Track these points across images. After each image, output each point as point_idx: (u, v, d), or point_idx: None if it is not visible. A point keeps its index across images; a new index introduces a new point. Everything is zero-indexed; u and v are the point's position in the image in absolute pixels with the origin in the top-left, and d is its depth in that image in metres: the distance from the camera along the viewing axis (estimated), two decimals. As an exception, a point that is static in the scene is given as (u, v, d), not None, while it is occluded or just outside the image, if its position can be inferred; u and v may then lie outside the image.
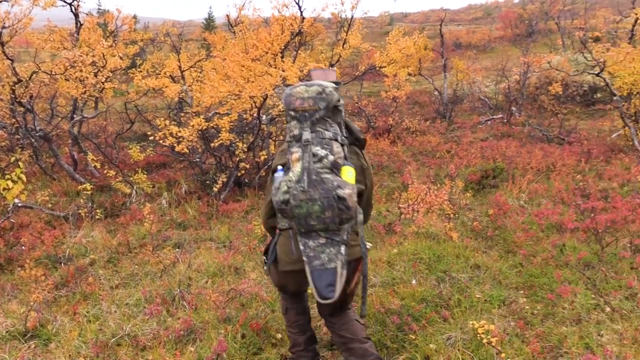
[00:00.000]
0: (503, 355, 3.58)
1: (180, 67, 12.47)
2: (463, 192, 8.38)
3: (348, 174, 2.84)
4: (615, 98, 12.33)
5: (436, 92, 20.29)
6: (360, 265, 3.07)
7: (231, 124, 9.16)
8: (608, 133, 14.01)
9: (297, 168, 2.81)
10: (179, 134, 8.78)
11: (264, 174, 9.83)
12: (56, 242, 6.93)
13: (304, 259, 2.87)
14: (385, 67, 15.49)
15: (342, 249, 2.85)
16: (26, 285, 5.42)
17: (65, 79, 9.91)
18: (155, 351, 3.84)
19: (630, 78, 11.88)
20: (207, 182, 9.61)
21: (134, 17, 19.90)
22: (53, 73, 9.70)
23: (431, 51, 22.29)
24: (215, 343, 3.85)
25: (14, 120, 10.12)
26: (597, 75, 12.75)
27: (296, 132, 2.90)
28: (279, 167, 2.96)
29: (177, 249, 6.60)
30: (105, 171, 9.96)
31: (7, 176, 5.25)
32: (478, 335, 3.71)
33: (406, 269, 5.36)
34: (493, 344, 3.62)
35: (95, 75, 10.11)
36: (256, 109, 9.00)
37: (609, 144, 12.38)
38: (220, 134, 9.07)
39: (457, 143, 14.05)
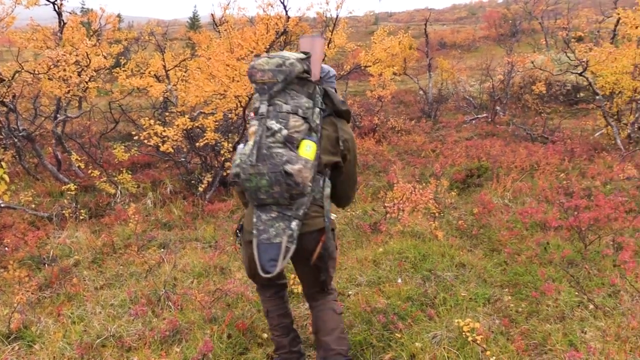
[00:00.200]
0: (488, 353, 3.60)
1: (164, 66, 12.40)
2: (448, 191, 8.42)
3: (306, 148, 2.84)
4: (597, 97, 12.46)
5: (421, 92, 20.37)
6: (323, 237, 3.01)
7: (216, 123, 9.14)
8: (591, 132, 14.15)
9: (251, 142, 2.85)
10: (164, 134, 8.74)
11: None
12: (40, 242, 6.87)
13: (254, 231, 2.91)
14: (370, 66, 15.54)
15: (293, 223, 2.86)
16: (9, 287, 5.36)
17: (49, 79, 9.82)
18: (141, 352, 3.82)
19: (613, 77, 12.01)
20: (193, 181, 9.58)
21: (118, 16, 19.79)
22: (36, 72, 9.61)
23: (416, 51, 22.37)
24: (201, 343, 3.83)
25: (-4, 120, 10.02)
26: (580, 74, 12.88)
27: (257, 104, 2.93)
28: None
29: (162, 249, 6.57)
30: (89, 171, 9.89)
31: (-10, 176, 5.19)
32: (463, 333, 3.72)
33: (392, 268, 5.38)
34: (478, 342, 3.64)
35: (79, 74, 10.03)
36: (241, 109, 8.98)
37: (592, 143, 12.49)
38: (205, 134, 9.04)
39: (442, 142, 14.11)
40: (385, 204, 7.25)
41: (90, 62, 10.29)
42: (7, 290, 5.31)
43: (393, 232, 6.60)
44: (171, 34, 35.43)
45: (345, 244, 6.40)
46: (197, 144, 9.28)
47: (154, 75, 13.00)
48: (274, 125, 2.83)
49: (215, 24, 14.69)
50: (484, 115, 17.68)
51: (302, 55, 2.95)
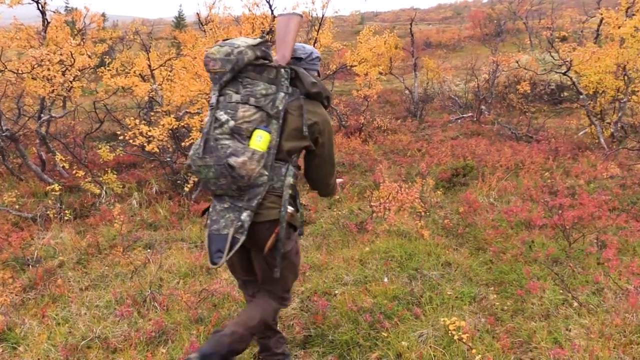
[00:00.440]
0: (474, 351, 3.61)
1: (150, 65, 12.33)
2: (434, 190, 8.45)
3: (256, 139, 2.78)
4: (581, 97, 12.56)
5: (407, 91, 20.44)
6: (277, 228, 2.91)
7: (202, 123, 9.09)
8: (575, 131, 14.27)
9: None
10: (149, 134, 8.70)
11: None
12: (24, 243, 6.80)
13: (208, 222, 2.90)
14: (356, 66, 15.55)
15: (244, 215, 2.82)
16: (-7, 289, 5.31)
17: (33, 78, 9.74)
18: (126, 353, 3.80)
19: (596, 77, 12.12)
20: (178, 181, 9.54)
21: (103, 15, 19.61)
22: (20, 72, 9.53)
23: (402, 50, 22.47)
24: (187, 344, 3.82)
25: (-21, 120, 9.91)
26: (564, 74, 13.00)
27: (212, 94, 2.90)
28: None
29: (148, 250, 6.54)
30: (74, 171, 9.81)
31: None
32: (449, 331, 3.74)
33: (378, 267, 5.39)
34: (464, 340, 3.66)
35: (63, 74, 9.95)
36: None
37: (576, 142, 12.59)
38: (191, 133, 9.01)
39: (427, 141, 14.16)
40: (372, 203, 7.27)
41: (74, 61, 10.22)
42: (-10, 292, 5.26)
43: (379, 231, 6.61)
44: (156, 33, 35.29)
45: (331, 243, 6.41)
46: (183, 143, 9.24)
47: (139, 74, 12.93)
48: (222, 116, 2.79)
49: (201, 23, 14.62)
50: (469, 114, 17.77)
51: (254, 41, 2.85)
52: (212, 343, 2.86)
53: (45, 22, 11.23)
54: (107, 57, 18.77)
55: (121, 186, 9.66)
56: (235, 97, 2.82)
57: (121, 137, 8.99)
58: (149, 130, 8.73)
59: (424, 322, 4.16)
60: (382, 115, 17.57)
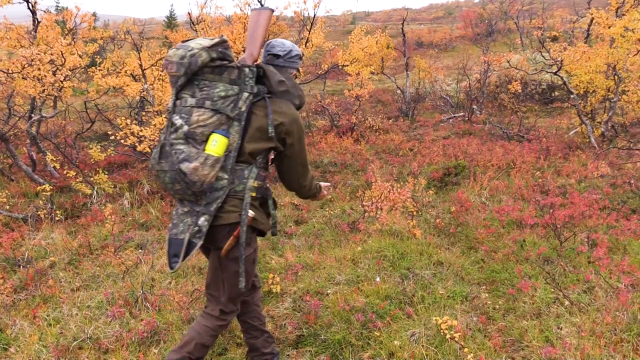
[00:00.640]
0: (466, 350, 3.63)
1: (141, 65, 12.28)
2: (426, 190, 8.47)
3: (211, 143, 2.73)
4: (572, 96, 12.63)
5: (399, 91, 20.48)
6: (237, 231, 2.85)
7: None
8: (566, 130, 14.34)
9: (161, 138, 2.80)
10: (141, 134, 8.67)
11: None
12: (14, 244, 6.76)
13: (170, 225, 2.88)
14: (348, 65, 15.56)
15: (201, 219, 2.78)
16: (-17, 290, 5.28)
17: (23, 78, 9.68)
18: (118, 354, 3.79)
19: (587, 77, 12.20)
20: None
21: (94, 14, 19.57)
22: (10, 71, 9.46)
23: (393, 50, 22.51)
24: (179, 344, 3.81)
25: (-32, 120, 9.85)
26: (555, 74, 13.07)
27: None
28: None
29: (139, 250, 6.51)
30: (65, 172, 9.77)
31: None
32: (441, 330, 3.75)
33: (370, 267, 5.39)
34: (456, 339, 3.67)
35: (54, 73, 9.90)
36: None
37: (567, 141, 12.65)
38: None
39: (419, 141, 14.19)
40: (364, 203, 7.28)
41: (65, 61, 10.17)
42: (-20, 293, 5.23)
43: (371, 230, 6.62)
44: (148, 32, 35.17)
45: (323, 243, 6.41)
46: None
47: (131, 74, 12.88)
48: (177, 120, 2.74)
49: (192, 23, 14.59)
50: (461, 114, 17.82)
51: (210, 43, 2.75)
52: None
53: (36, 22, 11.16)
54: (98, 56, 18.71)
55: (112, 186, 9.62)
56: (190, 101, 2.76)
57: (112, 137, 8.96)
58: (141, 130, 8.70)
59: (416, 322, 4.17)
60: (374, 115, 17.59)
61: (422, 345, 3.74)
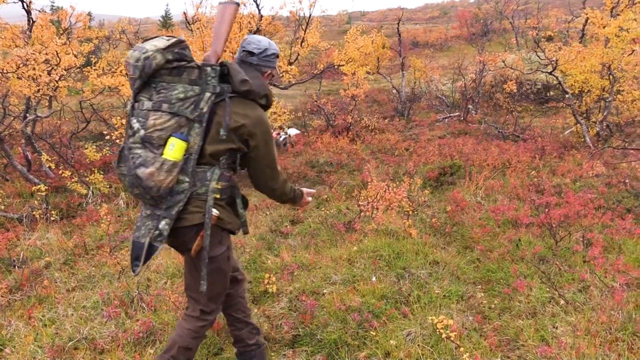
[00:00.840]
0: (462, 349, 3.63)
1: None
2: (421, 189, 8.47)
3: (169, 148, 2.67)
4: (567, 96, 12.67)
5: (394, 91, 20.49)
6: (202, 232, 2.82)
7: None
8: (561, 130, 14.38)
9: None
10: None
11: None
12: (10, 244, 6.75)
13: (135, 227, 2.86)
14: (343, 65, 15.57)
15: (162, 223, 2.77)
16: (-22, 290, 5.26)
17: (18, 77, 9.65)
18: (114, 354, 3.78)
19: (581, 76, 12.23)
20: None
21: (89, 14, 19.53)
22: (4, 71, 9.44)
23: (389, 50, 22.54)
24: (175, 344, 3.80)
25: (-37, 120, 9.82)
26: (550, 73, 13.10)
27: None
28: None
29: (135, 250, 6.50)
30: (60, 172, 9.75)
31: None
32: (437, 330, 3.76)
33: (366, 266, 5.39)
34: (452, 338, 3.68)
35: (49, 73, 9.88)
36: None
37: (562, 141, 12.68)
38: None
39: (415, 141, 14.20)
40: (360, 203, 7.28)
41: (60, 60, 10.15)
42: (-25, 294, 5.21)
43: (367, 230, 6.62)
44: (143, 32, 35.06)
45: (319, 242, 6.41)
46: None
47: (126, 74, 12.84)
48: (135, 124, 2.69)
49: (188, 23, 14.55)
50: (457, 113, 17.86)
51: (165, 44, 2.66)
52: None
53: (31, 21, 11.14)
54: (94, 56, 18.62)
55: (108, 186, 9.60)
56: (147, 104, 2.69)
57: (108, 137, 8.95)
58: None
59: (412, 321, 4.17)
60: (369, 115, 17.61)
61: (418, 345, 3.75)
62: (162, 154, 2.68)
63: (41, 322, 4.41)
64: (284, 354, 3.83)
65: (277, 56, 3.07)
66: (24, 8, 10.92)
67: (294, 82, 12.67)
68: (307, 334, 4.06)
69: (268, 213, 7.95)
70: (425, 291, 4.78)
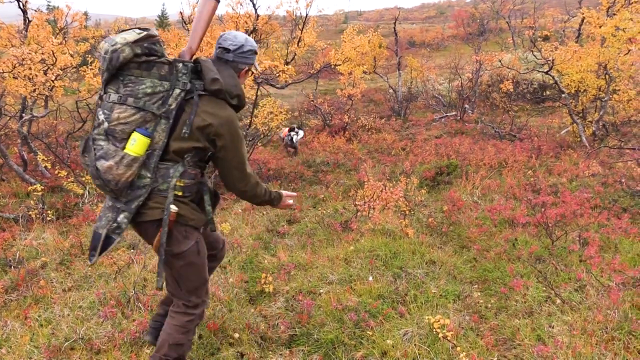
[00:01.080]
0: (458, 349, 3.63)
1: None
2: (418, 189, 8.48)
3: (131, 142, 2.67)
4: (563, 95, 12.68)
5: (391, 90, 20.51)
6: (161, 228, 2.81)
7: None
8: (557, 129, 14.40)
9: None
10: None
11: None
12: (6, 245, 6.72)
13: (97, 217, 2.86)
14: (340, 65, 15.56)
15: (121, 216, 2.76)
16: (-26, 290, 5.24)
17: (14, 77, 9.62)
18: (110, 354, 3.77)
19: (578, 76, 12.25)
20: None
21: (85, 13, 19.49)
22: (0, 71, 9.41)
23: (385, 49, 22.54)
24: (171, 344, 3.79)
25: (-42, 119, 9.79)
26: (546, 73, 13.12)
27: None
28: None
29: (131, 250, 6.49)
30: (56, 171, 9.71)
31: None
32: (434, 329, 3.76)
33: (363, 266, 5.39)
34: (448, 338, 3.68)
35: (45, 73, 9.85)
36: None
37: (558, 140, 12.70)
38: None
39: (412, 140, 14.21)
40: (356, 202, 7.28)
41: (56, 60, 10.12)
42: (-29, 294, 5.19)
43: (364, 230, 6.62)
44: (139, 32, 35.03)
45: (316, 242, 6.41)
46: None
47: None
48: (100, 116, 2.69)
49: (184, 22, 14.54)
50: (453, 113, 17.87)
51: (134, 37, 2.64)
52: None
53: (27, 21, 11.10)
54: (90, 56, 18.61)
55: (104, 186, 9.56)
56: (114, 97, 2.68)
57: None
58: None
59: (409, 321, 4.17)
60: (366, 114, 17.62)
61: (415, 344, 3.75)
62: (123, 148, 2.67)
63: (37, 322, 4.40)
64: (281, 354, 3.83)
65: (255, 52, 3.01)
66: (20, 7, 10.88)
67: (290, 82, 12.65)
68: (304, 334, 4.06)
69: (265, 213, 7.94)
70: (421, 291, 4.78)
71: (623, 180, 8.48)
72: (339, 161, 11.87)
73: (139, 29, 2.71)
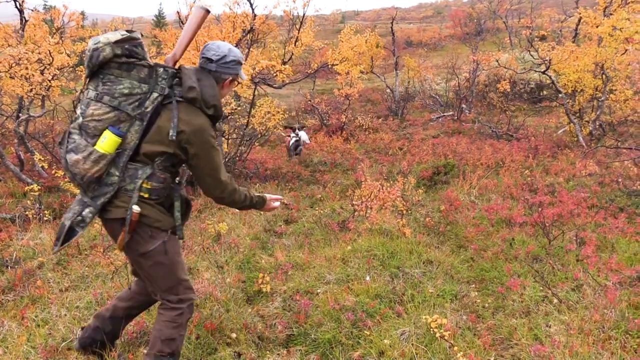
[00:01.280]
0: (455, 348, 3.63)
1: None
2: (415, 189, 8.48)
3: (102, 139, 2.73)
4: (560, 95, 12.71)
5: (388, 90, 20.51)
6: (124, 227, 2.84)
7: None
8: (554, 129, 14.42)
9: None
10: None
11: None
12: (2, 245, 6.71)
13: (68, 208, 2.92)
14: (337, 64, 15.56)
15: (86, 210, 2.82)
16: (-30, 291, 5.23)
17: (10, 77, 9.60)
18: (107, 354, 3.77)
19: (575, 76, 12.26)
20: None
21: (82, 13, 19.46)
22: (-3, 71, 9.39)
23: (383, 49, 22.55)
24: (168, 344, 3.79)
25: (-45, 119, 9.76)
26: (543, 73, 13.13)
27: None
28: None
29: (128, 250, 6.48)
30: (53, 171, 9.69)
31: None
32: (431, 329, 3.75)
33: (360, 266, 5.39)
34: (446, 337, 3.68)
35: (42, 72, 9.83)
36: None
37: (555, 140, 12.72)
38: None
39: (409, 140, 14.22)
40: (353, 202, 7.28)
41: (53, 60, 10.10)
42: (-33, 294, 5.18)
43: (361, 230, 6.62)
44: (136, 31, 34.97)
45: (313, 242, 6.40)
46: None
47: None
48: (78, 110, 2.78)
49: (181, 22, 14.50)
50: (450, 113, 17.90)
51: (116, 38, 2.72)
52: None
53: (23, 21, 11.09)
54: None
55: (101, 186, 9.55)
56: (91, 94, 2.76)
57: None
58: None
59: (406, 320, 4.17)
60: (363, 114, 17.63)
61: (412, 344, 3.75)
62: (94, 144, 2.73)
63: (34, 323, 4.39)
64: (278, 354, 3.82)
65: (239, 63, 3.04)
66: (16, 7, 10.86)
67: (287, 82, 12.64)
68: (301, 334, 4.06)
69: (262, 212, 7.93)
70: (419, 290, 4.78)
71: (620, 180, 8.49)
72: (337, 161, 11.88)
73: (125, 31, 2.78)
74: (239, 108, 10.73)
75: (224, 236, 6.48)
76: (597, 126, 12.73)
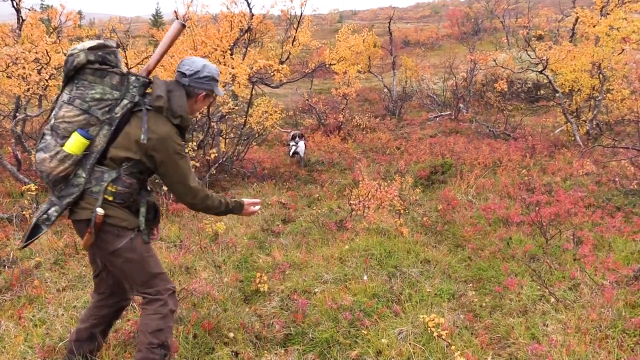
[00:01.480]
0: (453, 347, 3.64)
1: (127, 63, 12.21)
2: (413, 188, 8.48)
3: (70, 140, 2.83)
4: (557, 95, 12.72)
5: (385, 90, 20.49)
6: (90, 228, 2.90)
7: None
8: (551, 129, 14.43)
9: None
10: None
11: (214, 172, 9.74)
12: (-1, 244, 6.70)
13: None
14: (335, 64, 15.55)
15: (52, 209, 2.93)
16: (-33, 290, 5.22)
17: (7, 76, 9.57)
18: (105, 354, 3.76)
19: (572, 75, 12.27)
20: (157, 180, 9.45)
21: (79, 12, 19.43)
22: (-7, 70, 9.36)
23: (380, 49, 22.55)
24: (166, 344, 3.78)
25: (-49, 119, 9.74)
26: (541, 72, 13.16)
27: None
28: None
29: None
30: (50, 171, 9.66)
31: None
32: (428, 328, 3.76)
33: (358, 265, 5.39)
34: (443, 337, 3.68)
35: (39, 72, 9.80)
36: (206, 107, 8.90)
37: (552, 139, 12.73)
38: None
39: (406, 139, 14.22)
40: (351, 202, 7.28)
41: (50, 59, 10.07)
42: (-36, 294, 5.17)
43: (359, 229, 6.62)
44: (134, 31, 34.96)
45: (311, 241, 6.41)
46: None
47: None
48: (54, 112, 2.91)
49: (179, 22, 14.50)
50: (448, 112, 17.90)
51: (91, 44, 2.89)
52: None
53: (20, 20, 11.05)
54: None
55: (98, 185, 9.53)
56: (65, 97, 2.89)
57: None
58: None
59: (404, 320, 4.18)
60: (361, 114, 17.62)
61: (410, 343, 3.75)
62: (62, 145, 2.83)
63: (31, 322, 4.38)
64: (276, 353, 3.82)
65: (213, 79, 3.13)
66: (13, 7, 10.83)
67: (285, 81, 12.63)
68: (299, 333, 4.06)
69: (259, 212, 7.93)
70: (416, 290, 4.79)
71: (617, 179, 8.50)
72: (334, 160, 11.87)
73: (105, 40, 2.98)
74: (237, 107, 10.70)
75: (222, 236, 6.47)
76: (594, 125, 12.75)
